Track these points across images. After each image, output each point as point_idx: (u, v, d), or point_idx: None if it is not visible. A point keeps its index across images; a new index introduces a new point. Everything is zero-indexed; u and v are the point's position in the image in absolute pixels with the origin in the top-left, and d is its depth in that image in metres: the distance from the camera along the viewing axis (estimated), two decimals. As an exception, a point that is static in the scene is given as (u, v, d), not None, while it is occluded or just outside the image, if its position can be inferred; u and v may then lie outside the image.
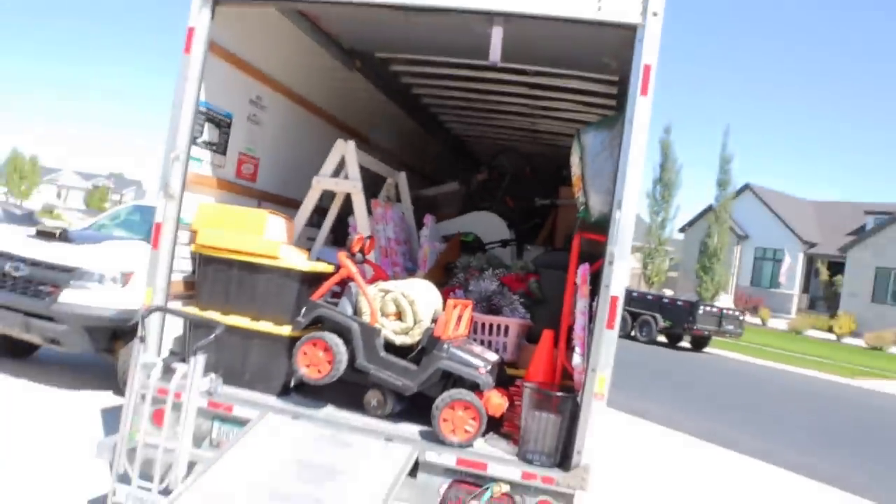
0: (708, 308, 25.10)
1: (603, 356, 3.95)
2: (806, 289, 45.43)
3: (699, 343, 25.08)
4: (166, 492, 3.74)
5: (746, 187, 46.22)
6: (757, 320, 38.62)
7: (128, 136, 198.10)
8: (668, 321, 23.95)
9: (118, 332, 7.20)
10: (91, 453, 4.40)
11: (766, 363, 23.60)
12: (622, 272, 3.99)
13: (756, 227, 45.58)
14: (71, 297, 7.22)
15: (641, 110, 4.02)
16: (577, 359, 4.53)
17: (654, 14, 4.00)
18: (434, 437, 4.19)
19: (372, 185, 6.17)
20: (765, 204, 46.19)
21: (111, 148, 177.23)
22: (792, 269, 44.27)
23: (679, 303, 24.68)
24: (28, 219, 15.79)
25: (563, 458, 4.07)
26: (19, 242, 7.84)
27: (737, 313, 26.32)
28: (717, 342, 25.91)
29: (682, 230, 47.38)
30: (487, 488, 3.99)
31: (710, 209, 42.37)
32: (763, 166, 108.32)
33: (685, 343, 25.26)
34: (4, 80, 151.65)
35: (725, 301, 30.39)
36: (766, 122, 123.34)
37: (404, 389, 4.38)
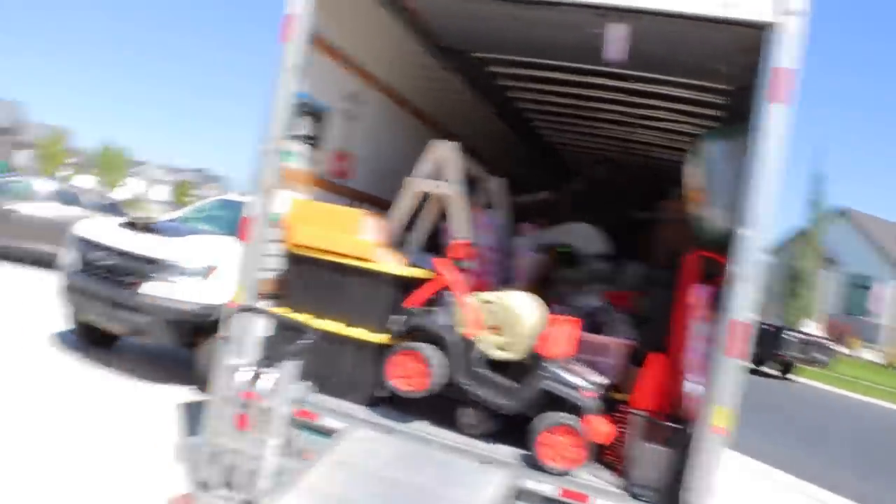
0: (794, 334, 24.08)
1: (722, 385, 3.58)
2: (900, 319, 43.32)
3: (784, 369, 24.09)
4: (247, 502, 3.52)
5: (838, 210, 44.42)
6: (846, 349, 36.98)
7: (213, 132, 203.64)
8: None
9: (199, 327, 7.09)
10: (169, 454, 4.22)
11: (859, 396, 22.41)
12: (746, 295, 3.61)
13: (847, 251, 43.67)
14: (154, 289, 7.16)
15: (774, 119, 3.63)
16: (690, 386, 4.15)
17: (793, 12, 3.62)
18: (533, 463, 3.88)
19: (467, 189, 5.89)
20: (857, 228, 44.26)
21: (197, 144, 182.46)
22: (885, 297, 42.33)
23: (764, 327, 23.74)
24: (114, 209, 16.07)
25: (673, 495, 3.70)
26: (107, 232, 7.85)
27: (825, 341, 25.18)
28: (804, 371, 24.77)
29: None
30: None
31: (798, 231, 40.90)
32: (855, 188, 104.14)
33: (768, 369, 24.28)
34: (99, 73, 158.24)
35: (812, 328, 29.09)
36: (858, 142, 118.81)
37: (502, 408, 4.08)
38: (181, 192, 71.61)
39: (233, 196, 10.64)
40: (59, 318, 8.40)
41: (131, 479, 4.89)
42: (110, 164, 62.65)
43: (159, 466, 5.05)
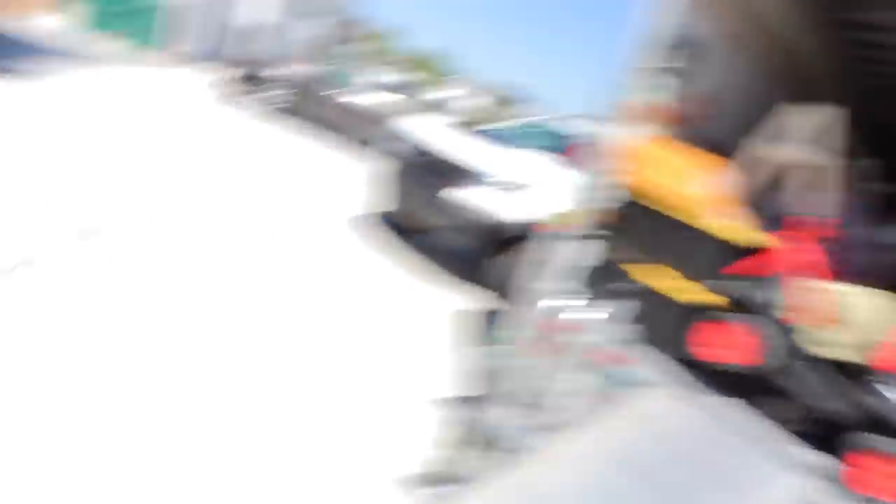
0: None
1: None
2: None
3: None
4: (533, 429, 3.48)
5: None
6: None
7: (539, 54, 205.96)
8: None
9: (505, 240, 7.18)
10: (450, 359, 4.28)
11: None
12: None
13: None
14: (466, 194, 7.35)
15: None
16: None
17: None
18: (837, 482, 3.46)
19: (839, 164, 5.30)
20: None
21: (527, 62, 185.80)
22: None
23: None
24: (432, 109, 16.83)
25: None
26: (428, 131, 8.16)
27: None
28: None
29: None
30: None
31: None
32: None
33: None
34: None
35: None
36: None
37: (816, 411, 3.67)
38: (503, 107, 73.60)
39: (559, 118, 10.62)
40: (369, 205, 8.95)
41: (405, 378, 5.06)
42: (427, 67, 65.80)
43: (437, 371, 5.17)
